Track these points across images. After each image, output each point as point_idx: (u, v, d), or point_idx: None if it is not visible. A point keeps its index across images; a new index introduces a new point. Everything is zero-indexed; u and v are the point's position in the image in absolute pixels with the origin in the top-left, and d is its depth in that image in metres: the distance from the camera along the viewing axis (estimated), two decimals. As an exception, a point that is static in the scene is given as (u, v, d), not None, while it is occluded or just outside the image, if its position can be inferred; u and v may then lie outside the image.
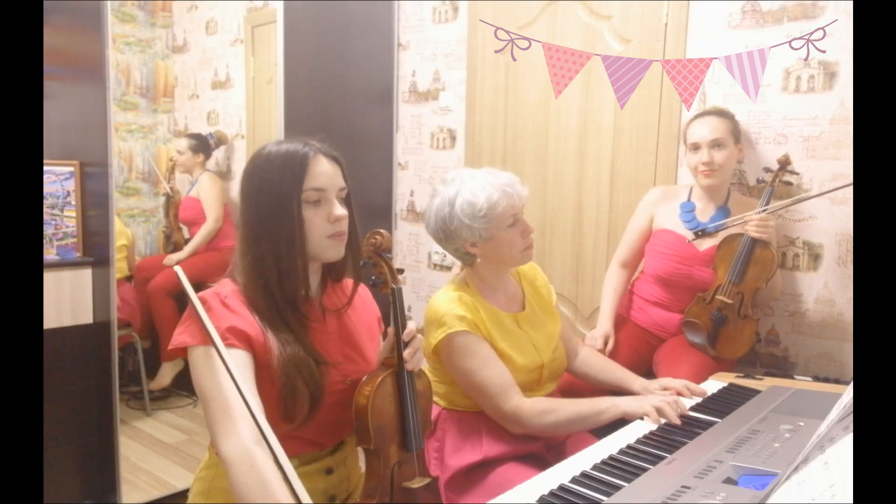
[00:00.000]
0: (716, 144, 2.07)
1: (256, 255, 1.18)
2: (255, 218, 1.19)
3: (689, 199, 2.20)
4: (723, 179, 2.11)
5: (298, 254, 1.18)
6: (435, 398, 1.68)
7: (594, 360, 1.82)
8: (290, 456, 1.17)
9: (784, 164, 2.09)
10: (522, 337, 1.65)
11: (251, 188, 1.21)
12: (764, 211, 1.99)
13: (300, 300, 1.20)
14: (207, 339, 1.07)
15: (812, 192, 2.12)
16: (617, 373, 1.76)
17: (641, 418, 1.44)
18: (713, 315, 2.03)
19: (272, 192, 1.18)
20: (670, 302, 2.18)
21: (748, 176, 2.26)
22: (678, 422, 1.38)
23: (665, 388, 1.61)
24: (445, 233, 1.63)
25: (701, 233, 1.98)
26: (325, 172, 1.20)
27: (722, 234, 2.07)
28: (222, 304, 1.15)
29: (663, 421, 1.40)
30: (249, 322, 1.14)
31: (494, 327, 1.60)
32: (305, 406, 1.14)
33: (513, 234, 1.60)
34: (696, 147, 2.09)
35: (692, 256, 2.12)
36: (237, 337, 1.11)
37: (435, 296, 1.66)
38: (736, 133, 2.12)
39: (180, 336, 1.13)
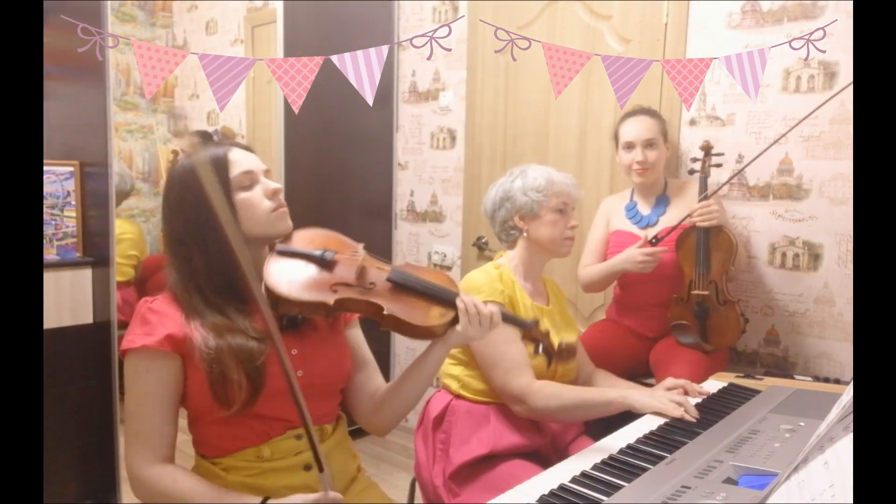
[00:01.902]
0: (649, 144, 2.16)
1: (188, 264, 1.21)
2: (181, 219, 1.22)
3: (631, 199, 2.30)
4: (655, 177, 2.21)
5: (226, 242, 1.17)
6: (447, 380, 1.73)
7: (605, 380, 1.83)
8: (262, 443, 1.21)
9: (707, 149, 2.15)
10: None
11: (171, 198, 1.24)
12: (705, 197, 2.05)
13: (237, 286, 1.20)
14: (139, 343, 1.15)
15: (810, 188, 2.12)
16: (625, 385, 1.77)
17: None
18: (695, 311, 2.06)
19: (195, 188, 1.18)
20: (644, 299, 2.23)
21: (747, 175, 2.26)
22: (690, 418, 1.38)
23: (669, 389, 1.61)
24: (501, 201, 1.74)
25: (655, 240, 2.04)
26: (245, 158, 1.25)
27: (675, 221, 2.10)
28: (149, 311, 1.20)
29: (675, 415, 1.40)
30: (175, 322, 1.18)
31: (523, 311, 1.66)
32: (244, 389, 1.15)
33: (559, 219, 1.71)
34: (630, 146, 2.18)
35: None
36: (165, 341, 1.16)
37: (472, 272, 1.73)
38: (664, 133, 2.21)
39: (124, 340, 1.19)
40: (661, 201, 2.23)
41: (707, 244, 2.03)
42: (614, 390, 1.58)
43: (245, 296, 1.21)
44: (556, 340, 1.68)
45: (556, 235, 1.71)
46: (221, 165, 1.21)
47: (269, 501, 1.13)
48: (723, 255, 2.02)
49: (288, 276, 1.21)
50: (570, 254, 1.77)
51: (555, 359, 1.44)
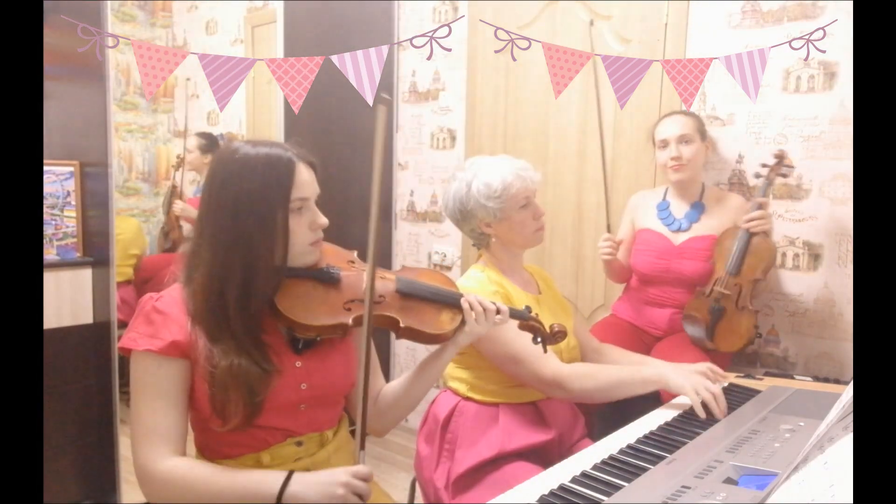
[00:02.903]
0: (683, 140, 2.14)
1: (222, 268, 1.15)
2: (231, 229, 1.15)
3: (664, 199, 2.27)
4: (692, 175, 2.18)
5: (277, 265, 1.17)
6: (454, 384, 1.73)
7: (617, 354, 1.83)
8: (262, 450, 1.19)
9: (780, 158, 2.10)
10: (542, 318, 1.68)
11: (226, 196, 1.16)
12: (758, 206, 2.01)
13: (260, 311, 1.18)
14: (144, 346, 1.12)
15: (810, 188, 2.12)
16: (636, 359, 1.79)
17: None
18: (711, 307, 2.05)
19: (254, 201, 1.15)
20: (659, 298, 2.23)
21: (747, 176, 2.26)
22: (721, 417, 1.38)
23: (700, 372, 1.59)
24: (462, 213, 1.71)
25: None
26: (306, 181, 1.20)
27: (707, 230, 2.13)
28: (154, 310, 1.16)
29: (699, 411, 1.40)
30: (180, 325, 1.14)
31: (519, 305, 1.64)
32: (240, 412, 1.13)
33: (525, 215, 1.69)
34: (664, 144, 2.17)
35: (668, 250, 2.18)
36: (171, 347, 1.13)
37: (462, 277, 1.72)
38: (702, 130, 2.19)
39: (124, 338, 1.16)
40: (697, 207, 2.20)
41: (746, 246, 2.00)
42: (650, 368, 1.58)
43: (264, 323, 1.19)
44: (547, 323, 1.69)
45: (525, 232, 1.70)
46: (286, 181, 1.16)
47: (296, 475, 1.10)
48: (757, 262, 2.00)
49: (302, 302, 1.20)
50: (544, 240, 1.77)
51: (549, 342, 1.45)
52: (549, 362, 1.58)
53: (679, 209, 2.22)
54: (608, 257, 2.19)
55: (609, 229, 2.23)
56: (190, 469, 1.11)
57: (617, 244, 2.20)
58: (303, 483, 1.10)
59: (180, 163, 3.36)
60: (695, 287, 2.12)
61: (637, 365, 1.74)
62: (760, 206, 2.00)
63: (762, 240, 2.01)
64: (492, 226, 1.70)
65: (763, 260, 2.00)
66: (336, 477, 1.09)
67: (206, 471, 1.12)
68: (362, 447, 1.12)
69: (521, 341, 1.58)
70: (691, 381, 1.45)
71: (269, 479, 1.11)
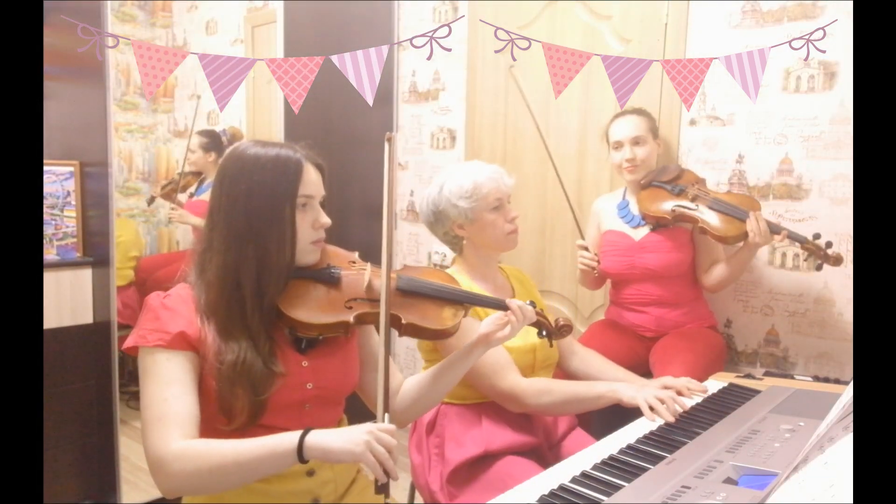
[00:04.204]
0: (636, 142, 2.19)
1: (236, 258, 1.17)
2: (243, 220, 1.18)
3: (623, 198, 2.32)
4: (646, 174, 2.23)
5: (287, 259, 1.20)
6: None
7: (592, 360, 1.83)
8: None
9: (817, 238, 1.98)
10: None
11: (238, 190, 1.19)
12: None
13: (272, 307, 1.20)
14: (153, 342, 1.12)
15: (810, 188, 2.12)
16: (613, 372, 1.77)
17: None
18: (675, 188, 2.13)
19: (264, 195, 1.18)
20: (635, 298, 2.24)
21: (747, 175, 2.26)
22: (671, 419, 1.37)
23: (666, 387, 1.61)
24: (435, 215, 1.75)
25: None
26: (313, 180, 1.24)
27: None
28: (162, 307, 1.17)
29: (661, 419, 1.40)
30: (189, 321, 1.16)
31: (484, 313, 1.63)
32: (245, 411, 1.14)
33: (496, 217, 1.70)
34: (619, 145, 2.22)
35: (630, 247, 2.22)
36: (179, 340, 1.14)
37: None
38: (654, 130, 2.24)
39: (132, 337, 1.16)
40: None
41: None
42: (603, 384, 1.57)
43: (277, 318, 1.20)
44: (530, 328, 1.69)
45: (497, 234, 1.70)
46: (294, 177, 1.19)
47: (313, 432, 1.06)
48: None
49: (303, 301, 1.21)
50: (518, 244, 1.76)
51: (555, 336, 1.43)
52: (507, 375, 1.57)
53: (637, 206, 2.26)
54: (585, 268, 2.19)
55: (581, 235, 2.24)
56: (205, 444, 1.08)
57: (596, 257, 2.20)
58: (324, 432, 1.06)
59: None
60: (665, 280, 2.15)
61: (608, 371, 1.75)
62: None
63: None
64: (464, 227, 1.71)
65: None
66: (360, 427, 1.06)
67: (221, 443, 1.08)
68: (386, 410, 1.11)
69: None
70: (642, 393, 1.46)
71: (287, 436, 1.07)
